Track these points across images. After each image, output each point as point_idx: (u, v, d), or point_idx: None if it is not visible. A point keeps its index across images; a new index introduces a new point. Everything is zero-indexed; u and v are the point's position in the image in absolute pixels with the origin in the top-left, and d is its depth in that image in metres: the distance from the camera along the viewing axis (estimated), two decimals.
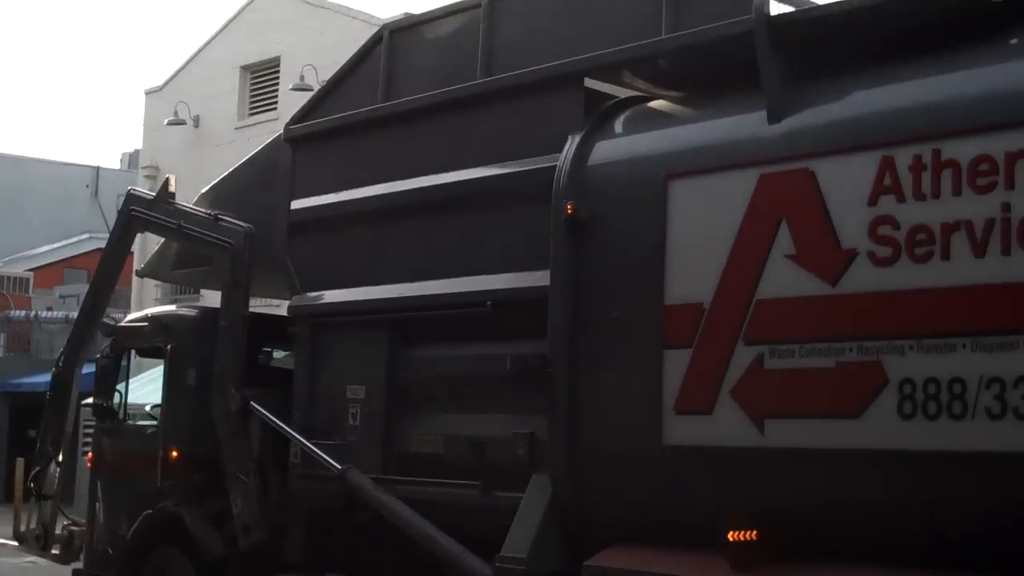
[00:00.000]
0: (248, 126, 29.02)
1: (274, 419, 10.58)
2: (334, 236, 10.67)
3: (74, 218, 44.33)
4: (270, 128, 28.56)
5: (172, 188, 12.06)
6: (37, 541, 12.79)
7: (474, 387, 9.22)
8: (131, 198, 12.40)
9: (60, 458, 12.71)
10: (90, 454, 12.47)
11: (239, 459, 10.72)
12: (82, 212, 45.01)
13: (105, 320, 12.34)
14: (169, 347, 11.61)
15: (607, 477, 8.12)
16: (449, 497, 9.18)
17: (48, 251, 42.68)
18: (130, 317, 12.39)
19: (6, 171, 44.97)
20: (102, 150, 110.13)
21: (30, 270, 39.81)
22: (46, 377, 33.35)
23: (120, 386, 12.28)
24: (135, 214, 12.24)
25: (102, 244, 42.34)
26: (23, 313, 35.65)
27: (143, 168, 31.10)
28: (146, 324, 12.01)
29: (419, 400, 9.74)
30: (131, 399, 12.84)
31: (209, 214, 11.52)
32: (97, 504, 12.30)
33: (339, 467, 9.76)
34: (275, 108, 28.45)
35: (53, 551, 12.81)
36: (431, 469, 9.41)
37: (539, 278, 8.66)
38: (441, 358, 9.54)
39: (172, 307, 12.16)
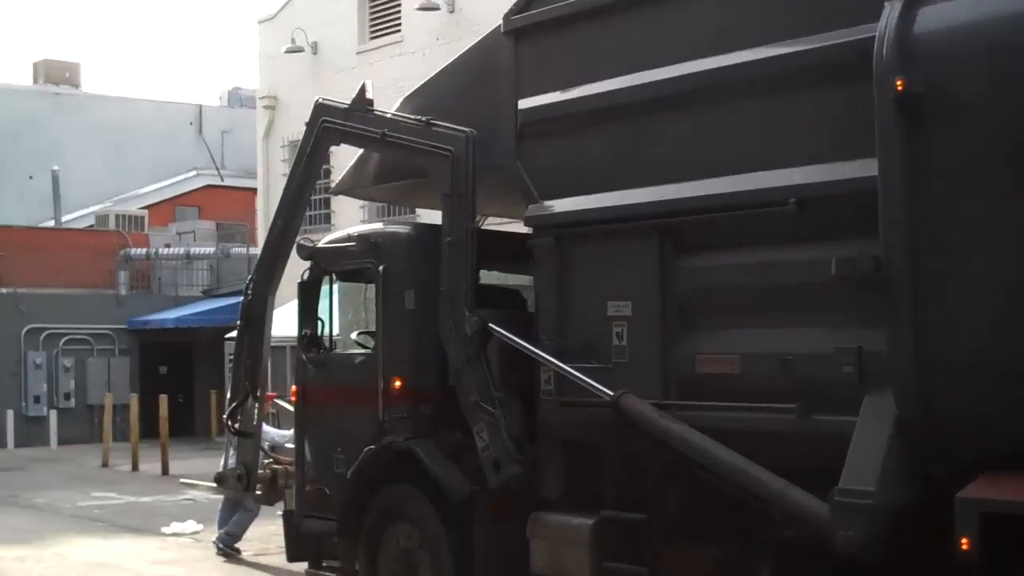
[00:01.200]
0: (370, 50, 27.85)
1: (522, 342, 9.51)
2: (577, 136, 9.53)
3: (180, 156, 43.60)
4: (392, 52, 27.59)
5: (370, 94, 10.97)
6: (239, 481, 11.87)
7: (779, 297, 8.05)
8: (321, 108, 11.30)
9: (258, 393, 11.76)
10: (293, 388, 11.48)
11: (481, 388, 9.67)
12: (187, 150, 44.29)
13: (302, 242, 11.28)
14: (381, 268, 10.56)
15: (969, 396, 6.94)
16: (752, 423, 8.04)
17: (156, 190, 42.02)
18: (331, 237, 11.34)
19: (112, 112, 44.23)
20: (202, 88, 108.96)
21: (143, 208, 39.14)
22: (171, 314, 33.19)
23: (323, 314, 11.25)
24: (328, 126, 11.16)
25: (209, 181, 42.13)
26: (143, 251, 34.98)
27: (261, 99, 30.08)
28: (352, 244, 10.93)
29: (703, 315, 8.58)
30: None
31: (419, 120, 10.42)
32: (305, 441, 11.35)
33: (611, 393, 8.67)
34: (399, 30, 27.25)
35: (257, 491, 11.92)
36: (721, 392, 8.29)
37: (856, 168, 7.49)
38: (730, 266, 8.37)
39: (378, 225, 11.07)
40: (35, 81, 45.59)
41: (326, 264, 11.15)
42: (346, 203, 27.36)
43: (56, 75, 45.06)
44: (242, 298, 11.95)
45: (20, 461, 28.91)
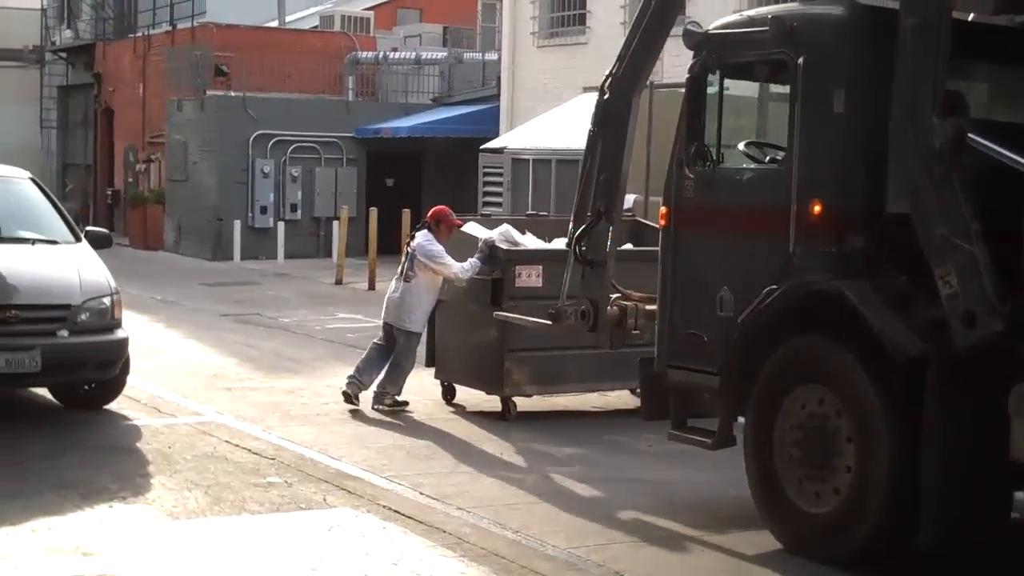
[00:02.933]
0: None
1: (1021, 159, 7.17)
2: None
3: None
4: None
5: None
6: (582, 319, 9.85)
7: None
8: None
9: (613, 214, 9.65)
10: (663, 210, 9.31)
11: (952, 217, 7.36)
12: None
13: (689, 26, 8.98)
14: (801, 60, 8.23)
15: None
16: None
17: None
18: (725, 21, 9.02)
19: None
20: None
21: (368, 8, 37.04)
22: (403, 122, 31.25)
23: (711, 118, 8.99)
24: None
25: None
26: (371, 55, 32.99)
27: None
28: (759, 29, 8.57)
29: None
30: None
31: None
32: (674, 275, 9.21)
33: None
34: None
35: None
36: None
37: None
38: None
39: (793, 4, 8.73)
40: None
41: (719, 55, 8.83)
42: (603, 2, 24.96)
43: None
44: (597, 97, 9.76)
45: (251, 275, 27.58)
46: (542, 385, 12.14)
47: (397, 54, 33.14)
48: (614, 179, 9.62)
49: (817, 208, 8.16)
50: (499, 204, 21.04)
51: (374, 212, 25.29)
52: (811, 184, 8.21)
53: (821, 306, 8.09)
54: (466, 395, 12.82)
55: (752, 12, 8.95)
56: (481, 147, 22.33)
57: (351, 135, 31.38)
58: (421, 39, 35.29)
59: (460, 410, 12.70)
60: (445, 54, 32.78)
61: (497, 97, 29.47)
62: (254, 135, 30.37)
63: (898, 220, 7.84)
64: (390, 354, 12.40)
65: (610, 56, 25.59)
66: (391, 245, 25.71)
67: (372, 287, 24.82)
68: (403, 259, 12.26)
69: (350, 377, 12.55)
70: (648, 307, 9.94)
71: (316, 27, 35.77)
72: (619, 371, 11.57)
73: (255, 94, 30.62)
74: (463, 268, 11.73)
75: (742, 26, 8.80)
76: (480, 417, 12.32)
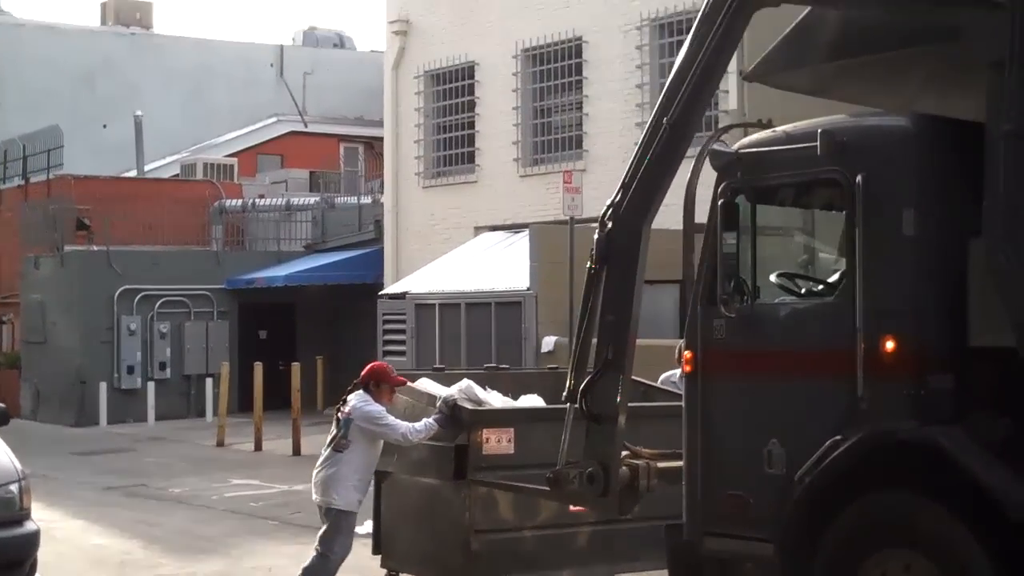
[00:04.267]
0: None
1: None
2: None
3: (259, 101, 40.11)
4: None
5: None
6: (590, 483, 8.53)
7: None
8: None
9: (624, 361, 8.43)
10: (687, 355, 8.13)
11: None
12: (267, 94, 40.85)
13: (717, 147, 7.91)
14: (859, 178, 7.21)
15: None
16: None
17: (238, 137, 38.50)
18: (754, 139, 7.95)
19: (188, 54, 40.76)
20: (271, 29, 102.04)
21: (231, 155, 35.71)
22: (275, 271, 29.76)
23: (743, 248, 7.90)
24: None
25: (292, 127, 38.53)
26: (238, 202, 31.58)
27: (390, 24, 26.44)
28: (801, 145, 7.53)
29: None
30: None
31: None
32: (704, 427, 8.02)
33: None
34: None
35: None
36: None
37: None
38: None
39: (839, 117, 7.68)
40: (103, 22, 42.09)
41: (753, 177, 7.77)
42: (492, 141, 24.08)
43: (126, 16, 41.51)
44: (597, 232, 8.59)
45: (122, 440, 25.65)
46: (520, 572, 10.17)
47: (265, 200, 31.82)
48: (623, 322, 8.40)
49: (890, 344, 7.09)
50: (402, 353, 19.71)
51: (259, 367, 23.76)
52: (880, 317, 7.14)
53: (905, 457, 6.98)
54: None
55: (788, 128, 7.88)
56: (380, 293, 21.05)
57: (221, 286, 29.85)
58: (287, 184, 34.07)
59: None
60: (316, 199, 31.56)
61: (376, 241, 28.36)
62: (119, 291, 28.63)
63: (986, 354, 6.81)
64: None
65: (504, 194, 24.82)
66: (271, 402, 24.23)
67: (259, 447, 23.20)
68: (334, 425, 10.06)
69: None
70: (661, 465, 8.72)
71: (177, 175, 34.28)
72: (616, 551, 10.20)
73: (119, 247, 28.93)
74: (413, 429, 9.87)
75: (778, 143, 7.75)
76: None
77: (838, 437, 7.20)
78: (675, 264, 18.04)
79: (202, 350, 29.36)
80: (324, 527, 10.02)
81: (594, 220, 19.09)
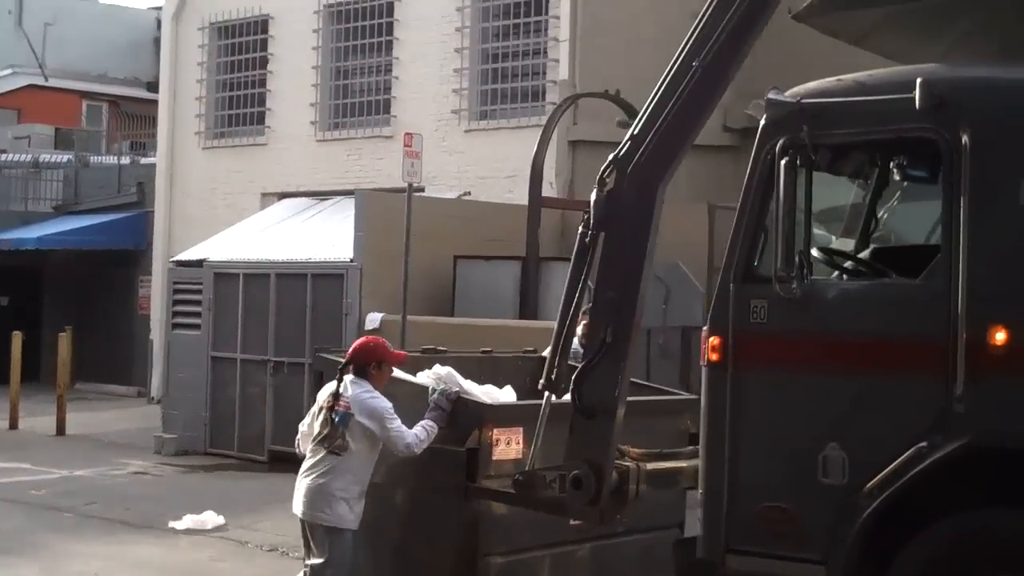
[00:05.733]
0: None
1: None
2: None
3: None
4: None
5: None
6: (575, 488, 7.17)
7: None
8: None
9: (628, 344, 7.12)
10: (713, 341, 6.84)
11: None
12: (3, 43, 37.58)
13: (772, 95, 6.63)
14: (965, 138, 6.08)
15: None
16: None
17: None
18: (818, 87, 6.66)
19: None
20: None
21: None
22: (23, 232, 27.04)
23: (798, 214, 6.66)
24: None
25: (30, 80, 35.47)
26: None
27: None
28: (888, 97, 6.34)
29: None
30: None
31: None
32: (734, 427, 6.77)
33: None
34: None
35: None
36: None
37: None
38: None
39: (936, 66, 6.47)
40: None
41: (819, 132, 6.52)
42: (286, 102, 22.35)
43: None
44: (594, 192, 7.23)
45: None
46: None
47: (9, 156, 29.04)
48: (628, 299, 7.10)
49: (1000, 336, 5.99)
50: (196, 327, 17.80)
51: (18, 337, 21.34)
52: (986, 304, 6.04)
53: (1018, 470, 5.91)
54: None
55: (860, 77, 6.68)
56: (173, 259, 19.01)
57: None
58: (31, 140, 31.29)
59: None
60: (69, 157, 28.96)
61: (138, 205, 26.18)
62: None
63: None
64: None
65: (298, 159, 23.00)
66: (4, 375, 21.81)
67: (14, 426, 20.81)
68: (323, 420, 7.85)
69: None
70: (651, 467, 7.48)
71: None
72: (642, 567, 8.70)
73: None
74: (417, 438, 7.81)
75: (852, 93, 6.54)
76: None
77: (923, 444, 6.08)
78: (514, 240, 17.34)
79: None
80: (324, 550, 7.78)
81: (417, 190, 17.76)
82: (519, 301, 16.07)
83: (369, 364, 7.84)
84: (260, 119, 23.11)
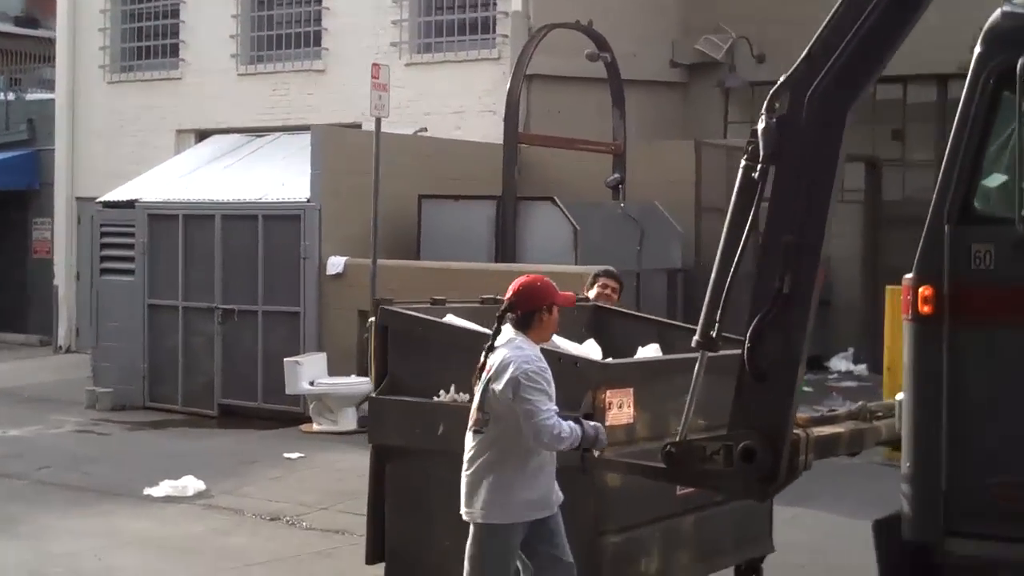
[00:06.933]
0: None
1: None
2: None
3: None
4: None
5: None
6: (750, 462, 6.21)
7: None
8: None
9: (814, 290, 6.19)
10: (924, 291, 5.93)
11: None
12: None
13: (1009, 7, 5.72)
14: None
15: None
16: None
17: None
18: None
19: None
20: None
21: None
22: None
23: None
24: None
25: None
26: None
27: None
28: None
29: None
30: None
31: None
32: (954, 392, 5.91)
33: None
34: None
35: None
36: None
37: None
38: None
39: None
40: None
41: None
42: (202, 33, 20.93)
43: None
44: (762, 120, 6.26)
45: None
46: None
47: None
48: (810, 244, 6.17)
49: None
50: (130, 273, 16.42)
51: None
52: None
53: None
54: None
55: None
56: (100, 199, 17.50)
57: None
58: None
59: None
60: None
61: (29, 143, 24.46)
62: None
63: None
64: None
65: (216, 94, 21.60)
66: None
67: None
68: (476, 389, 6.43)
69: None
70: (820, 432, 6.61)
71: None
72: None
73: None
74: (569, 434, 6.25)
75: None
76: None
77: None
78: (477, 178, 16.28)
79: None
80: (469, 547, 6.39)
81: (352, 127, 16.67)
82: (495, 243, 15.07)
83: (536, 311, 6.42)
84: (174, 51, 21.61)
